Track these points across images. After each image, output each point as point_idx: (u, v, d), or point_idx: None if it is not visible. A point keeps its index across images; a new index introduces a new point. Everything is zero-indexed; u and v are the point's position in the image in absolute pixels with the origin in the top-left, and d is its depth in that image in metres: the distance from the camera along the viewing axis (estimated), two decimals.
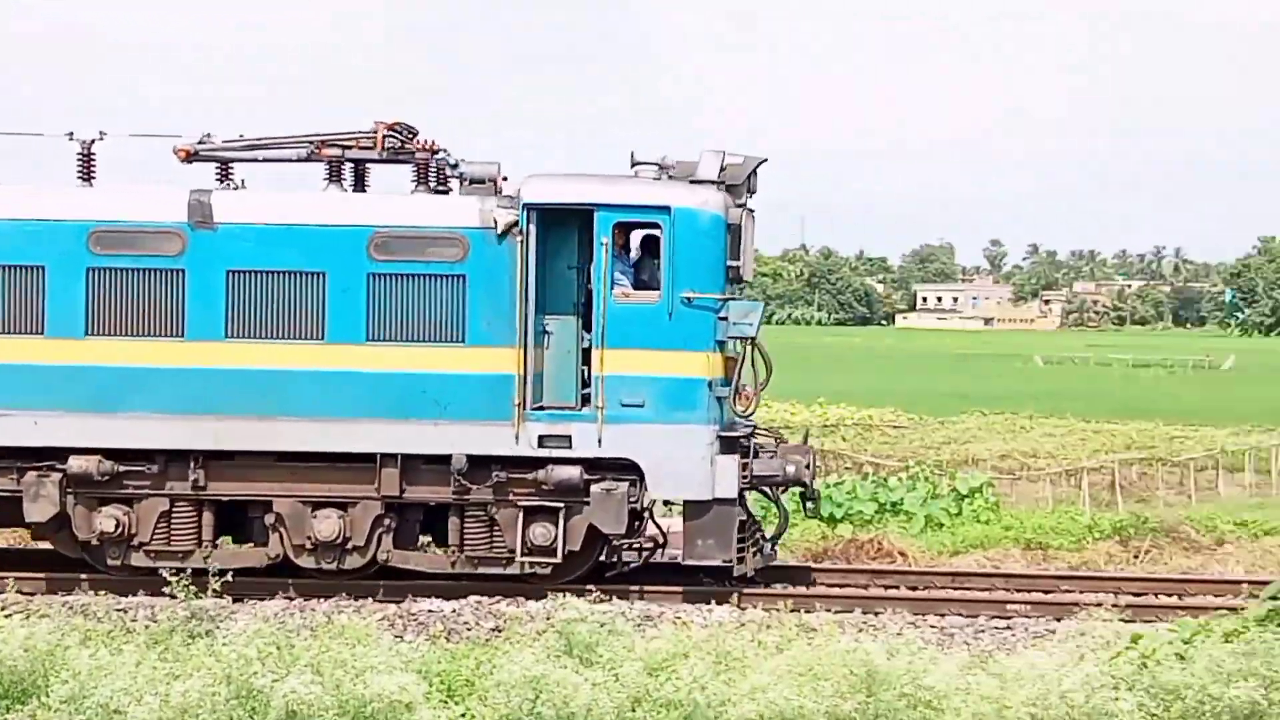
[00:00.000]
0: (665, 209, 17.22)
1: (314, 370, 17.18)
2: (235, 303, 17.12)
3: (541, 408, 17.15)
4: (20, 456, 16.85)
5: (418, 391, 17.13)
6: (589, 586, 15.98)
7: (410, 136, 17.86)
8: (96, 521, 16.94)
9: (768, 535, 18.22)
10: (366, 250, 17.21)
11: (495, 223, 17.08)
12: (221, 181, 17.67)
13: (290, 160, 17.93)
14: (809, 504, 18.88)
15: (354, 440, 17.10)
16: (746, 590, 17.13)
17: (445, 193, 17.87)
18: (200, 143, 17.61)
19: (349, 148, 17.63)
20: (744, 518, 17.41)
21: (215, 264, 17.10)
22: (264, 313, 17.13)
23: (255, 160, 18.10)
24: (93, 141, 17.53)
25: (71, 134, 17.50)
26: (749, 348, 17.69)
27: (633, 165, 17.89)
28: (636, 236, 17.71)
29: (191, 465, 16.99)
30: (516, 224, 17.01)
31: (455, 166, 17.67)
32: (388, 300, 17.24)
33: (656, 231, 17.26)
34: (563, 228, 17.37)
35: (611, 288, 17.21)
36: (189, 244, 17.01)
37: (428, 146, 17.76)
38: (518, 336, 17.00)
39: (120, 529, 16.93)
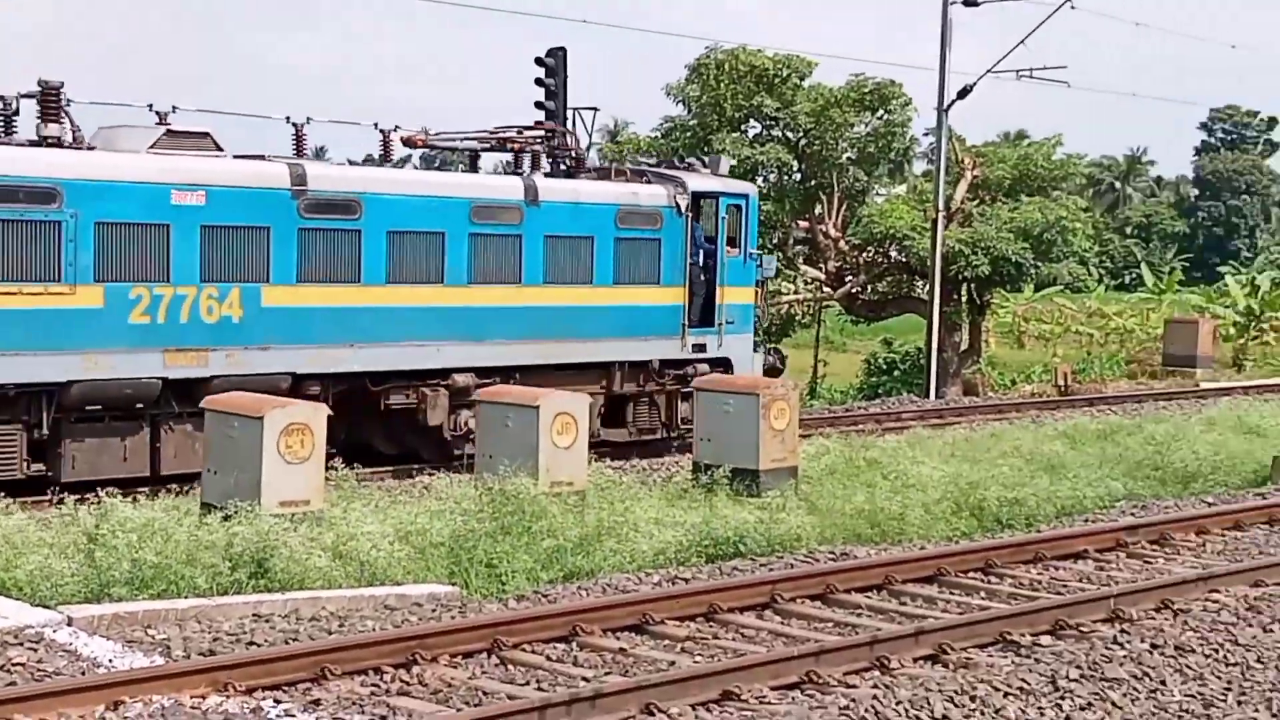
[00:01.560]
0: (746, 195, 24.96)
1: (589, 305, 23.03)
2: (550, 258, 22.53)
3: (693, 325, 24.02)
4: (417, 377, 21.25)
5: (636, 318, 23.43)
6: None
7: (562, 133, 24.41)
8: (463, 420, 21.34)
9: None
10: (615, 221, 23.25)
11: (677, 204, 23.74)
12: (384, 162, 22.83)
13: (484, 150, 23.82)
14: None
15: (604, 353, 23.15)
16: None
17: (578, 176, 23.89)
18: (422, 133, 22.66)
19: (539, 139, 23.67)
20: None
21: (538, 231, 22.35)
22: (564, 265, 22.70)
23: (456, 149, 24.26)
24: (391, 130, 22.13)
25: (376, 123, 22.13)
26: (764, 284, 26.39)
27: (681, 164, 25.96)
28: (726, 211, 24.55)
29: (515, 378, 21.36)
30: (686, 205, 23.73)
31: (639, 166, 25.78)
32: (623, 256, 23.36)
33: (742, 208, 24.52)
34: (698, 208, 24.20)
35: (734, 246, 24.43)
36: (525, 216, 22.24)
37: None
38: (685, 279, 23.88)
39: (470, 423, 20.79)
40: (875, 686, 10.52)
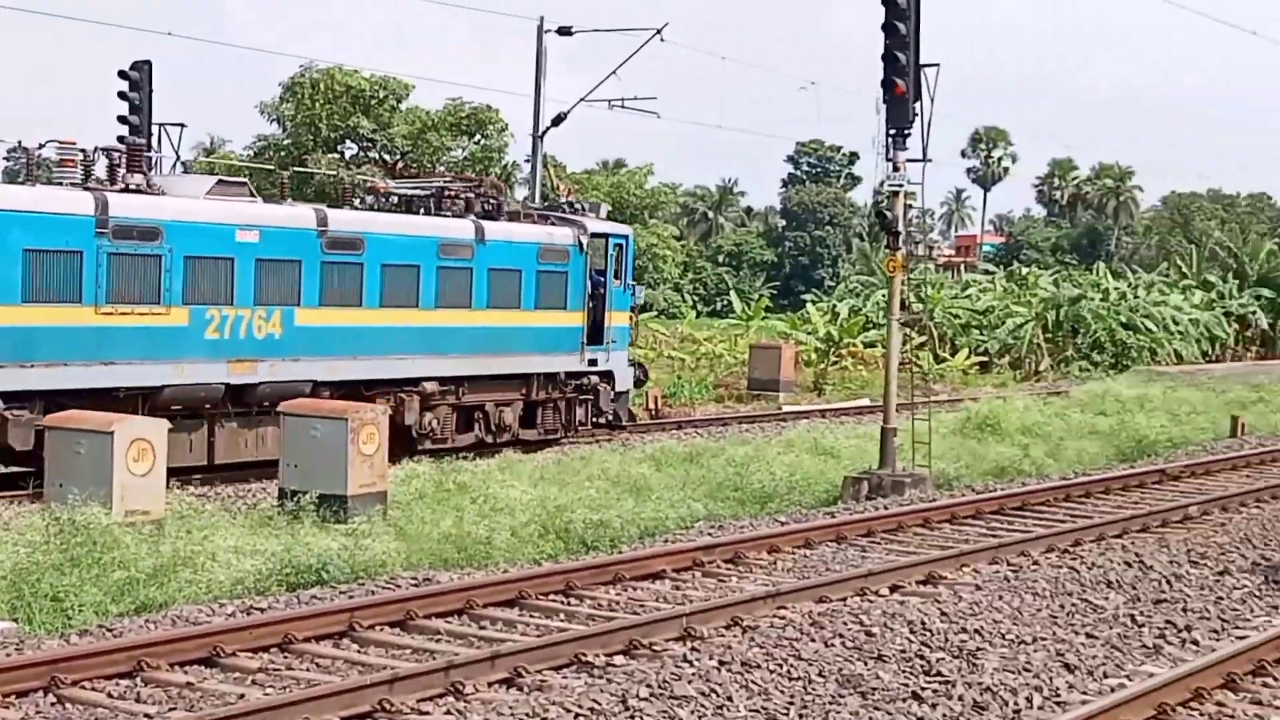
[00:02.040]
0: (626, 235, 30.82)
1: (518, 326, 27.38)
2: (492, 287, 26.80)
3: (589, 343, 28.68)
4: (396, 385, 25.27)
5: (549, 337, 27.95)
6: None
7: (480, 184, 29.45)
8: (428, 420, 25.83)
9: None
10: (536, 257, 27.77)
11: (580, 243, 28.41)
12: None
13: (429, 197, 27.39)
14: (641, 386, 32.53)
15: (527, 366, 27.64)
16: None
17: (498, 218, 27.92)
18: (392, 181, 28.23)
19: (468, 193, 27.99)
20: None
21: (484, 264, 26.70)
22: (501, 293, 27.03)
23: (414, 196, 27.54)
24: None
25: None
26: (637, 310, 32.78)
27: (571, 209, 30.01)
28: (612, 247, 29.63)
29: (464, 386, 26.41)
30: (586, 243, 28.43)
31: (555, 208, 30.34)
32: (542, 286, 27.80)
33: (624, 246, 29.95)
34: (592, 245, 28.84)
35: (616, 277, 29.40)
36: (475, 252, 26.63)
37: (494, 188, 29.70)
38: (584, 305, 28.54)
39: (432, 423, 25.90)
40: (449, 713, 10.51)
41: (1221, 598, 15.37)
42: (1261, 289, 67.94)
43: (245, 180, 25.16)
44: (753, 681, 11.52)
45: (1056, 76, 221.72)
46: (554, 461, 23.92)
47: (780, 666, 11.91)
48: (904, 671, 12.02)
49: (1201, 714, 11.24)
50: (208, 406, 22.78)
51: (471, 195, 27.85)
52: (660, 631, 12.93)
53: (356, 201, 27.10)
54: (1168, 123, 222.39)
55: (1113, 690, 11.62)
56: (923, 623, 13.33)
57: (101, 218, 21.52)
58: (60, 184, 21.97)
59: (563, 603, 14.66)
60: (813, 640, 12.70)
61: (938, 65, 22.86)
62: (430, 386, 25.78)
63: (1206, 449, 30.27)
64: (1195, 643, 13.65)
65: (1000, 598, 14.57)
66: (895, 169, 23.35)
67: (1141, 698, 10.99)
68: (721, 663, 11.85)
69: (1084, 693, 11.77)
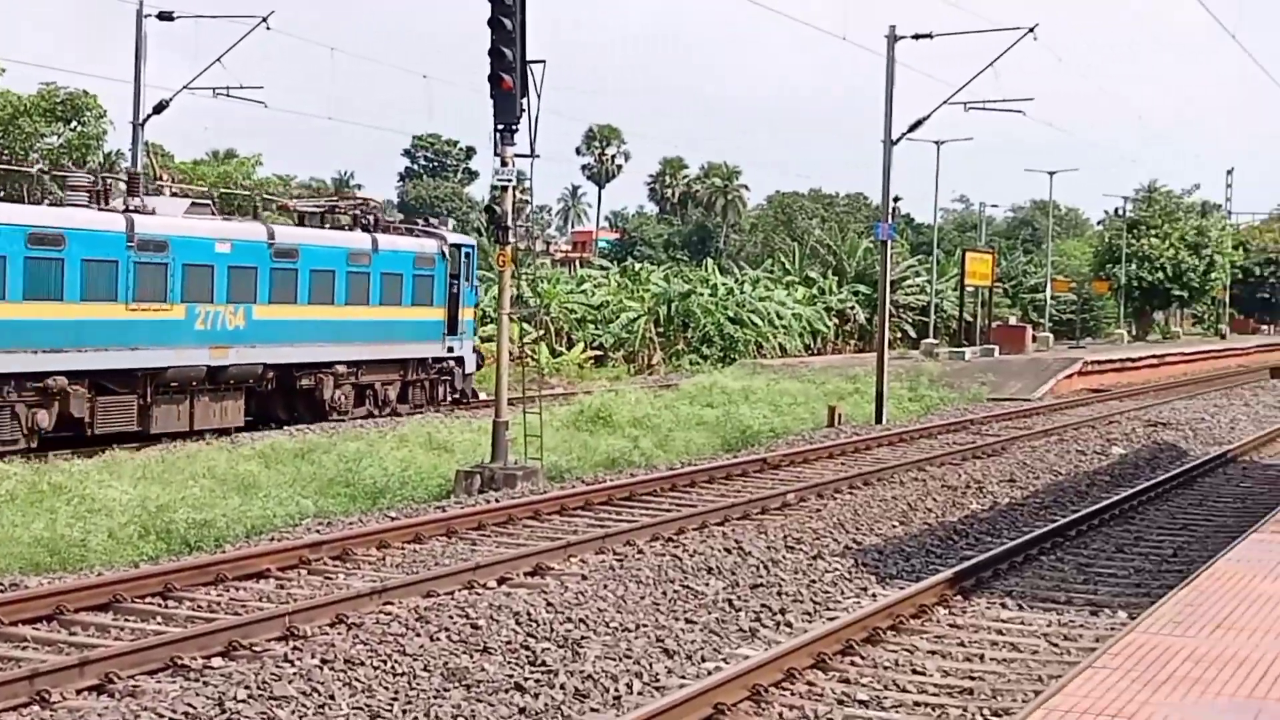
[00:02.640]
0: (473, 245, 37.41)
1: (400, 320, 33.42)
2: (383, 288, 32.66)
3: (448, 334, 34.81)
4: (315, 368, 31.09)
5: (421, 328, 34.05)
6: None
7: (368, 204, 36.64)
8: (337, 395, 31.77)
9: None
10: (413, 263, 33.83)
11: (443, 252, 34.76)
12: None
13: (321, 212, 34.02)
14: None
15: (407, 352, 33.84)
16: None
17: (397, 232, 34.99)
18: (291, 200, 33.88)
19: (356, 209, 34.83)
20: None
21: (378, 269, 32.66)
22: (388, 292, 32.86)
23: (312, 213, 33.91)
24: None
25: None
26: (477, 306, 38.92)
27: (427, 222, 37.80)
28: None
29: (361, 368, 32.24)
30: (446, 252, 34.74)
31: (426, 223, 37.60)
32: (417, 287, 33.87)
33: (471, 254, 36.49)
34: (450, 254, 35.11)
35: (466, 279, 35.79)
36: (371, 259, 32.46)
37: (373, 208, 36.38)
38: (446, 302, 34.64)
39: (339, 398, 31.86)
40: None
41: (815, 581, 15.98)
42: (859, 285, 71.04)
43: (209, 201, 31.56)
44: (356, 679, 11.39)
45: (666, 76, 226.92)
46: (158, 459, 23.16)
47: (385, 662, 11.81)
48: (509, 663, 12.08)
49: (793, 693, 11.63)
50: (193, 383, 28.42)
51: (356, 213, 34.45)
52: (262, 631, 12.65)
53: (266, 215, 33.58)
54: (772, 124, 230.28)
55: (709, 674, 11.94)
56: (529, 614, 13.42)
57: (130, 234, 27.04)
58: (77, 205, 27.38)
59: (161, 605, 14.20)
60: (418, 635, 12.64)
61: (544, 61, 23.07)
62: (340, 368, 31.78)
63: (805, 438, 31.45)
64: (789, 625, 14.16)
65: (605, 587, 14.80)
66: (504, 164, 23.45)
67: (736, 679, 11.30)
68: (324, 661, 11.68)
69: (682, 677, 12.06)
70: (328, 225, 33.31)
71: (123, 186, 29.22)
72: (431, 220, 37.92)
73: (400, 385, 34.07)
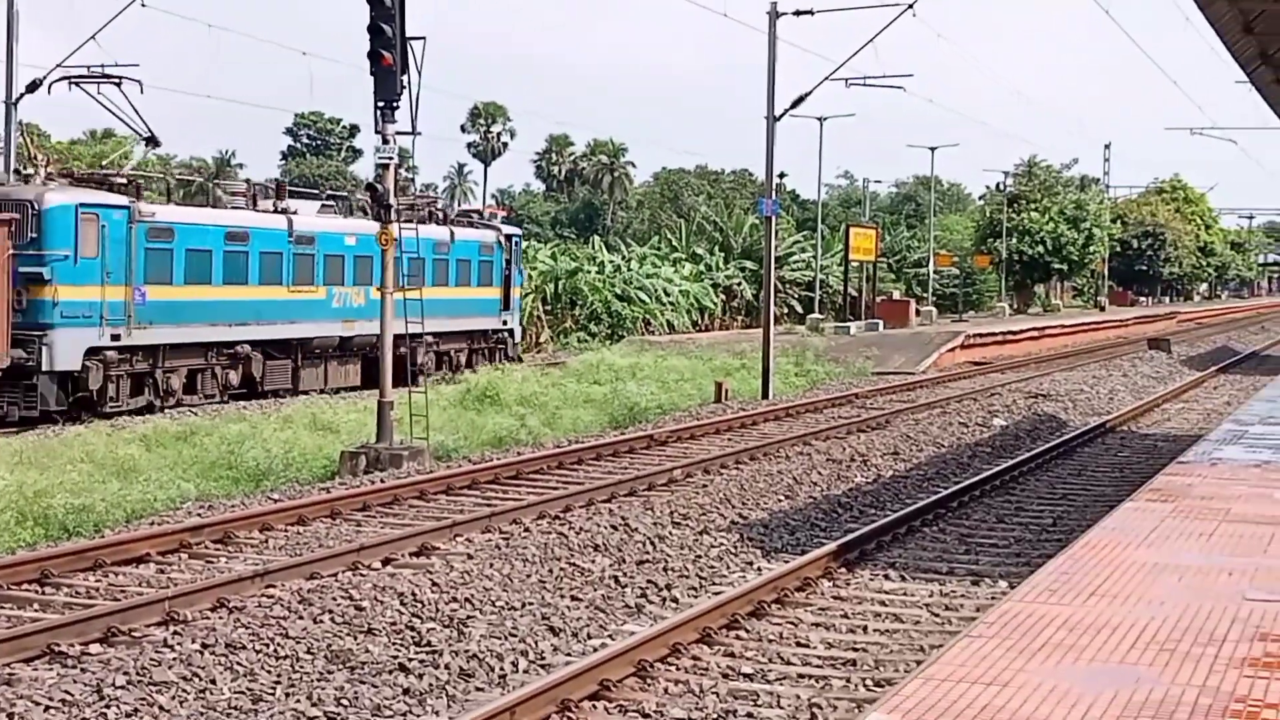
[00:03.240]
0: (520, 235, 45.33)
1: (470, 298, 40.46)
2: (458, 271, 40.06)
3: (503, 309, 42.23)
4: (416, 338, 31.42)
5: (484, 305, 41.43)
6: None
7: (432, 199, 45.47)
8: (426, 360, 36.54)
9: None
10: (479, 250, 40.90)
11: (499, 241, 41.80)
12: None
13: (413, 209, 37.92)
14: None
15: (475, 324, 40.89)
16: None
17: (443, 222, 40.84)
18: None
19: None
20: None
21: (454, 256, 39.86)
22: (462, 275, 40.14)
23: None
24: None
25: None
26: (520, 286, 46.31)
27: (480, 216, 45.40)
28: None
29: (440, 339, 38.37)
30: (500, 241, 41.88)
31: (480, 215, 45.84)
32: (481, 270, 40.94)
33: (519, 241, 44.66)
34: (505, 241, 42.42)
35: (516, 264, 43.08)
36: (451, 248, 39.55)
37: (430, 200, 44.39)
38: (502, 283, 41.89)
39: (427, 362, 36.64)
40: None
41: (701, 556, 16.06)
42: (745, 261, 71.33)
43: (333, 202, 38.11)
44: (238, 663, 11.28)
45: (550, 54, 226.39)
46: (33, 444, 22.77)
47: (267, 646, 11.71)
48: (394, 644, 12.02)
49: (679, 668, 11.69)
50: (329, 350, 35.41)
51: (439, 209, 41.67)
52: (141, 617, 12.49)
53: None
54: (656, 101, 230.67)
55: (595, 650, 11.96)
56: (414, 594, 13.36)
57: (290, 231, 33.98)
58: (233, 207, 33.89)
59: (38, 592, 13.98)
60: (301, 618, 12.54)
61: (424, 38, 22.94)
62: (429, 338, 35.69)
63: (693, 414, 31.57)
64: (675, 601, 14.22)
65: (491, 565, 14.76)
66: (385, 141, 23.29)
67: (622, 655, 11.34)
68: (205, 646, 11.56)
69: (568, 654, 12.08)
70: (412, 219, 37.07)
71: (271, 190, 36.14)
72: (480, 212, 45.92)
73: (468, 351, 40.87)
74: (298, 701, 10.56)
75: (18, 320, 26.99)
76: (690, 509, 18.50)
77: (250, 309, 32.53)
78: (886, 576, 15.26)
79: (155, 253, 29.99)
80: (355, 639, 12.06)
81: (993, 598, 13.61)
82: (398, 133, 23.35)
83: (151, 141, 32.36)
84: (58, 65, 32.84)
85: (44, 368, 27.48)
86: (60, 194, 28.38)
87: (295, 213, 34.51)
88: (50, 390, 27.78)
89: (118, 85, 30.64)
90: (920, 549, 16.87)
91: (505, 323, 42.81)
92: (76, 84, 30.74)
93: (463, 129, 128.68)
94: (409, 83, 22.85)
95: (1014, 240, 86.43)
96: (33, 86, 32.71)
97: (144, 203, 30.39)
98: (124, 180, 30.69)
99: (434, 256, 37.78)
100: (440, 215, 40.54)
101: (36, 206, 27.64)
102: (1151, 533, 12.54)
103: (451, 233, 39.86)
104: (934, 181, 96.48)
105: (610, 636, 12.74)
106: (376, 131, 23.31)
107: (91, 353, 28.38)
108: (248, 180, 38.05)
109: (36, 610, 13.36)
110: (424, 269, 33.99)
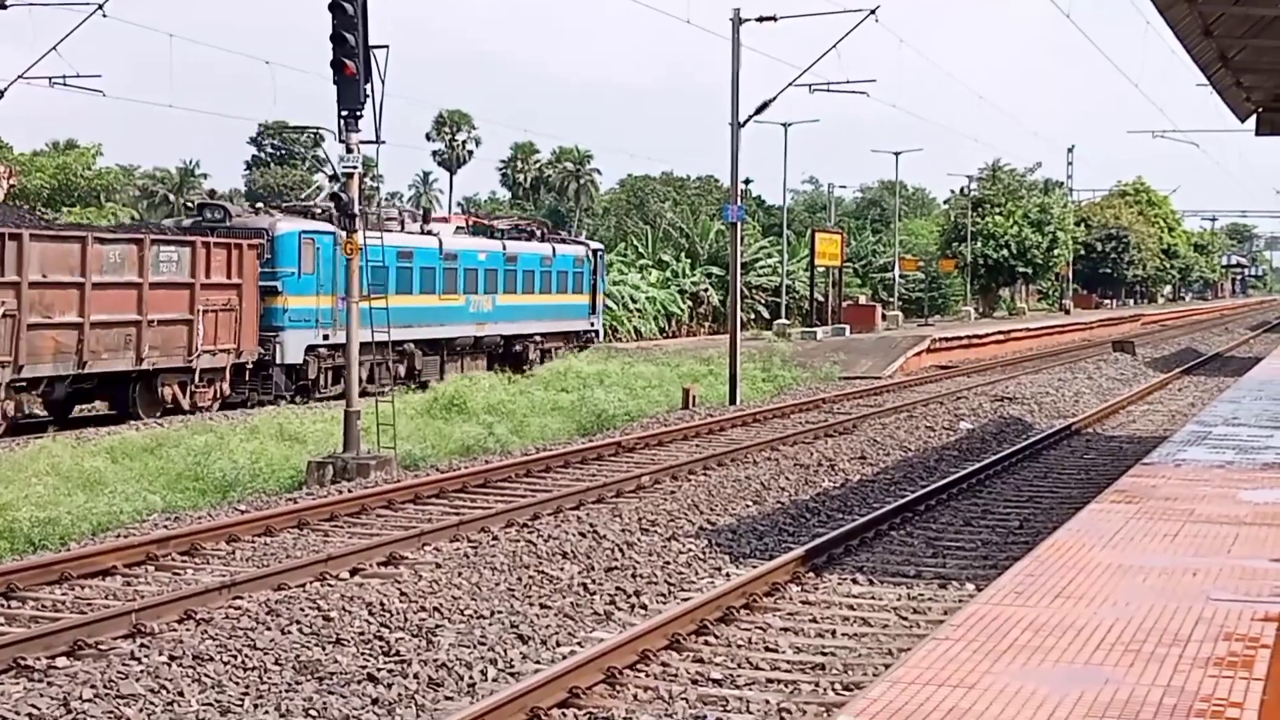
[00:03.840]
0: (603, 248, 54.65)
1: (565, 303, 47.10)
2: (557, 281, 46.80)
3: (591, 313, 49.04)
4: (519, 339, 45.13)
5: (576, 310, 48.11)
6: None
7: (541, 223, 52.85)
8: (530, 356, 44.89)
9: None
10: (573, 263, 47.87)
11: (589, 256, 49.23)
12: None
13: (515, 228, 48.65)
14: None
15: (570, 326, 47.48)
16: None
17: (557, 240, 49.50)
18: (478, 215, 56.33)
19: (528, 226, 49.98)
20: None
21: (555, 269, 46.77)
22: (561, 284, 46.85)
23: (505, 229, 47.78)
24: None
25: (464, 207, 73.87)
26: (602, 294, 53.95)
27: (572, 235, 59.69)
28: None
29: (538, 337, 45.96)
30: (589, 256, 49.26)
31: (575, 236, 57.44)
32: (573, 280, 47.72)
33: (602, 256, 52.20)
34: (591, 255, 49.88)
35: (599, 274, 50.62)
36: (552, 261, 47.59)
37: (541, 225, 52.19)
38: (590, 290, 48.73)
39: (534, 359, 45.01)
40: None
41: (669, 562, 16.08)
42: (712, 267, 71.47)
43: (464, 224, 46.82)
44: (205, 675, 11.26)
45: (514, 62, 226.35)
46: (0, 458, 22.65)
47: (235, 657, 11.69)
48: (362, 654, 12.01)
49: (648, 674, 11.69)
50: (465, 348, 42.01)
51: (534, 229, 48.96)
52: (107, 630, 12.43)
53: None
54: (621, 109, 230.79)
55: (564, 658, 11.97)
56: (382, 604, 13.35)
57: (441, 249, 40.75)
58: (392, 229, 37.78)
59: (3, 606, 13.90)
60: (269, 629, 12.52)
61: (387, 47, 22.92)
62: (537, 337, 44.79)
63: (660, 421, 31.60)
64: (644, 607, 14.23)
65: (460, 574, 14.76)
66: (349, 150, 23.26)
67: (591, 663, 11.34)
68: (172, 658, 11.53)
69: (537, 662, 12.08)
70: (521, 237, 47.13)
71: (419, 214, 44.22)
72: (561, 231, 56.77)
73: (564, 348, 46.62)
74: (266, 713, 10.53)
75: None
76: (658, 515, 18.53)
77: (414, 314, 38.56)
78: (854, 581, 15.29)
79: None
80: (323, 649, 12.05)
81: (960, 601, 13.66)
82: (362, 141, 23.32)
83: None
84: (19, 77, 32.71)
85: (277, 361, 34.19)
86: (288, 223, 35.29)
87: (436, 233, 41.89)
88: (281, 379, 34.45)
89: None
90: (888, 553, 16.92)
91: (593, 324, 50.25)
92: None
93: (428, 137, 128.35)
94: (372, 91, 22.84)
95: (979, 244, 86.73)
96: None
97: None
98: (319, 210, 37.32)
99: (540, 269, 45.92)
100: (540, 234, 48.29)
101: (270, 234, 34.05)
102: (1116, 534, 12.60)
103: (553, 249, 47.43)
104: (898, 186, 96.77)
105: (579, 644, 12.74)
106: (340, 140, 23.27)
107: (310, 349, 35.26)
108: (397, 207, 45.72)
109: (2, 624, 13.29)
110: (534, 280, 45.15)
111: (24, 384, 27.98)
